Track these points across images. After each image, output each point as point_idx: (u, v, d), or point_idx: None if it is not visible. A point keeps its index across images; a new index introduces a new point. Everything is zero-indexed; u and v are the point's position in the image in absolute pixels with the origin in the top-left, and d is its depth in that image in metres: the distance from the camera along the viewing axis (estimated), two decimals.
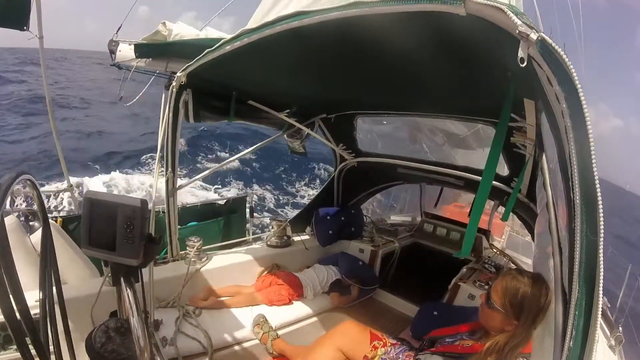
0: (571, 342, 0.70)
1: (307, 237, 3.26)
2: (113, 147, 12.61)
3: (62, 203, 7.21)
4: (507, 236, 4.96)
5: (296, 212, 4.02)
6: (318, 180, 12.82)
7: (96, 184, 9.34)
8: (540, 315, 1.10)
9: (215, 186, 10.82)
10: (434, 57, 1.27)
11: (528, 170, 1.86)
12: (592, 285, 0.67)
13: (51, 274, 0.93)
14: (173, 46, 3.08)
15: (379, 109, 2.67)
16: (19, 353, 0.70)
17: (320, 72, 1.85)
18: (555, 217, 0.96)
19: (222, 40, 1.49)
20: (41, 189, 0.95)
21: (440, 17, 0.82)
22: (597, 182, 0.64)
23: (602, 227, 0.65)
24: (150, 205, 1.87)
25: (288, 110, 2.60)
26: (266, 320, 2.24)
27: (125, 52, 3.68)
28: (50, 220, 2.39)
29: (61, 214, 6.19)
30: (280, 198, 11.23)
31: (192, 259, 2.35)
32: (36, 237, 1.98)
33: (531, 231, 2.65)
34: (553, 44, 0.66)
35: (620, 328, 2.22)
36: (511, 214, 4.04)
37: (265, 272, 2.74)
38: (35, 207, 0.98)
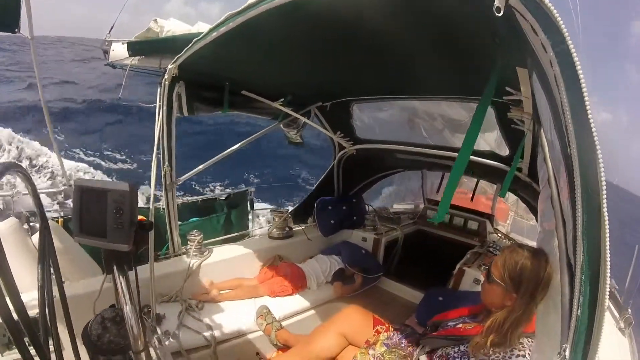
0: (579, 311, 0.68)
1: (309, 227, 3.25)
2: None
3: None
4: (511, 220, 4.93)
5: (297, 202, 4.01)
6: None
7: None
8: (539, 288, 1.08)
9: (214, 182, 10.82)
10: (419, 34, 1.25)
11: (528, 149, 1.82)
12: (598, 243, 0.64)
13: (49, 265, 0.92)
14: (165, 42, 3.07)
15: (373, 94, 2.64)
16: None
17: (311, 57, 1.83)
18: (557, 189, 0.94)
19: (209, 28, 1.49)
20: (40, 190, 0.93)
21: None
22: (594, 129, 0.60)
23: (603, 181, 0.62)
24: (150, 205, 1.87)
25: (283, 100, 2.58)
26: (269, 311, 2.24)
27: (119, 51, 3.68)
28: (51, 220, 2.40)
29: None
30: (280, 191, 11.21)
31: (194, 253, 2.35)
32: (37, 237, 1.98)
33: (535, 213, 2.61)
34: None
35: (630, 310, 2.17)
36: (515, 197, 4.02)
37: (268, 264, 2.72)
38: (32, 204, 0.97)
